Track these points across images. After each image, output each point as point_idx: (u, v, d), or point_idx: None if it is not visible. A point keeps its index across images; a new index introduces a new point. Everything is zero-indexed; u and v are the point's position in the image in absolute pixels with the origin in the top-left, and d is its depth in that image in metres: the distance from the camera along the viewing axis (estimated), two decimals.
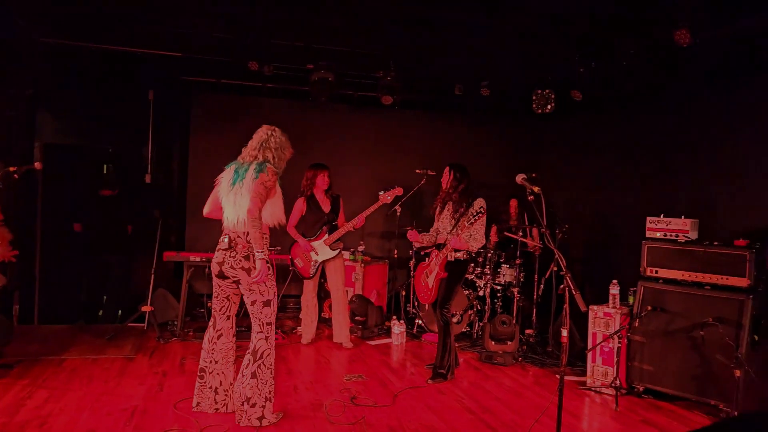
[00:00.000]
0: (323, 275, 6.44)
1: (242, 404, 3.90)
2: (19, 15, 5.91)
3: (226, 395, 4.17)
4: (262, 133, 4.14)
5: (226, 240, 3.95)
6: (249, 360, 3.93)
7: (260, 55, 6.52)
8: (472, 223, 5.07)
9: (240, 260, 3.90)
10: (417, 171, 7.25)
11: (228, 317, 4.20)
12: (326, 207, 6.31)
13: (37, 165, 4.99)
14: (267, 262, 3.87)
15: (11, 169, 4.84)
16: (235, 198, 3.91)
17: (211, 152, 7.68)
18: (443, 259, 5.26)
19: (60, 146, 7.07)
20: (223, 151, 8.02)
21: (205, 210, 4.20)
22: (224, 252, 3.95)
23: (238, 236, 3.92)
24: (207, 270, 6.71)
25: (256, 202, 3.81)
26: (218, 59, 7.04)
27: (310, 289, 6.38)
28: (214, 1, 5.46)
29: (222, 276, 4.01)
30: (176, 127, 7.68)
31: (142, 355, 5.67)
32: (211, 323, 4.21)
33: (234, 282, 4.01)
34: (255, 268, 3.87)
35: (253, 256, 3.87)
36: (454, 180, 5.34)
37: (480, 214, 5.04)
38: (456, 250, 5.21)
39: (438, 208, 5.50)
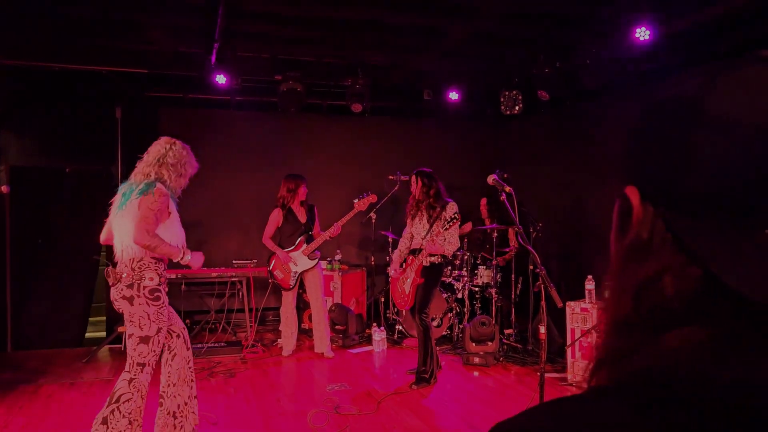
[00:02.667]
0: (302, 286, 6.43)
1: None
2: None
3: (184, 419, 3.79)
4: (160, 146, 3.70)
5: (111, 271, 3.50)
6: (106, 402, 3.40)
7: (227, 67, 6.49)
8: (446, 228, 5.10)
9: (122, 289, 3.41)
10: (390, 177, 7.27)
11: (179, 335, 3.78)
12: (302, 217, 6.32)
13: (4, 188, 4.89)
14: (164, 282, 3.53)
15: None
16: (120, 223, 3.49)
17: None
18: (419, 265, 5.28)
19: (27, 168, 6.93)
20: None
21: (102, 236, 3.71)
22: (111, 287, 3.49)
23: (124, 265, 3.44)
24: (183, 286, 6.67)
25: (141, 229, 3.34)
26: (184, 74, 7.00)
27: (289, 300, 6.35)
28: (177, 15, 5.44)
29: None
30: (145, 144, 7.53)
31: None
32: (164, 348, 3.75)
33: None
34: (138, 295, 3.39)
35: (138, 283, 3.39)
36: (423, 186, 5.34)
37: (454, 220, 5.09)
38: (431, 255, 5.25)
39: (411, 215, 5.52)
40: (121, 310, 3.48)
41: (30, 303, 6.93)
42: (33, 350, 6.56)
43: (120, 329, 6.40)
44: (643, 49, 5.27)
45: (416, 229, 5.42)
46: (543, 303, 3.43)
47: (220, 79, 6.49)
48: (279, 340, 6.58)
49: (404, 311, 6.76)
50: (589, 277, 5.37)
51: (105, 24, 5.76)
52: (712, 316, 0.53)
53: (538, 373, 4.35)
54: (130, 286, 3.40)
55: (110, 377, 5.52)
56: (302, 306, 7.10)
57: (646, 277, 0.57)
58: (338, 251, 7.70)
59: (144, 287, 3.40)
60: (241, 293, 6.69)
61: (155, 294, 3.43)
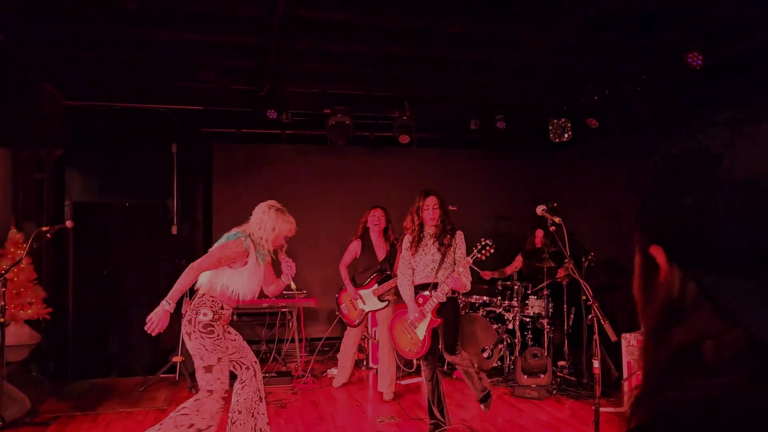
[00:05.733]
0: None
1: None
2: (47, 80, 6.17)
3: None
4: (257, 209, 4.09)
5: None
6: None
7: (278, 103, 6.69)
8: (478, 259, 4.50)
9: (184, 324, 3.79)
10: None
11: (248, 367, 4.09)
12: (381, 253, 6.00)
13: (69, 223, 5.08)
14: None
15: (44, 228, 4.96)
16: None
17: (233, 201, 7.80)
18: (436, 304, 4.46)
19: (89, 204, 7.24)
20: (246, 199, 8.14)
21: None
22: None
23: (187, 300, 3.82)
24: (234, 317, 6.77)
25: (203, 260, 3.75)
26: (237, 110, 7.24)
27: (352, 334, 6.22)
28: (230, 56, 5.65)
29: None
30: (199, 178, 7.85)
31: (175, 406, 5.66)
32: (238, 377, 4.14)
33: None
34: (194, 331, 3.68)
35: (194, 318, 3.71)
36: (443, 214, 4.65)
37: (488, 247, 4.42)
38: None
39: (413, 245, 4.68)
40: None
41: (90, 333, 7.17)
42: (91, 379, 6.76)
43: (174, 359, 6.54)
44: (695, 75, 5.18)
45: (422, 261, 4.61)
46: (596, 337, 3.35)
47: (271, 114, 6.70)
48: (329, 370, 6.57)
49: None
50: None
51: (163, 65, 6.03)
52: (758, 373, 0.53)
53: (594, 408, 4.22)
54: (189, 322, 3.72)
55: (165, 406, 5.64)
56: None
57: (683, 344, 0.57)
58: None
59: (198, 322, 3.70)
60: (291, 323, 6.76)
61: (209, 328, 3.70)
